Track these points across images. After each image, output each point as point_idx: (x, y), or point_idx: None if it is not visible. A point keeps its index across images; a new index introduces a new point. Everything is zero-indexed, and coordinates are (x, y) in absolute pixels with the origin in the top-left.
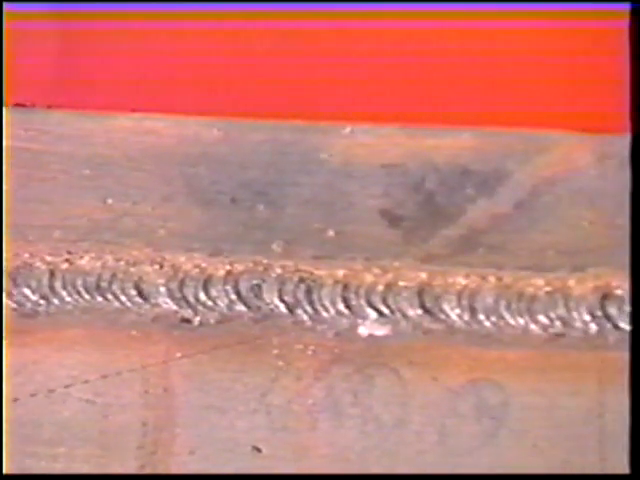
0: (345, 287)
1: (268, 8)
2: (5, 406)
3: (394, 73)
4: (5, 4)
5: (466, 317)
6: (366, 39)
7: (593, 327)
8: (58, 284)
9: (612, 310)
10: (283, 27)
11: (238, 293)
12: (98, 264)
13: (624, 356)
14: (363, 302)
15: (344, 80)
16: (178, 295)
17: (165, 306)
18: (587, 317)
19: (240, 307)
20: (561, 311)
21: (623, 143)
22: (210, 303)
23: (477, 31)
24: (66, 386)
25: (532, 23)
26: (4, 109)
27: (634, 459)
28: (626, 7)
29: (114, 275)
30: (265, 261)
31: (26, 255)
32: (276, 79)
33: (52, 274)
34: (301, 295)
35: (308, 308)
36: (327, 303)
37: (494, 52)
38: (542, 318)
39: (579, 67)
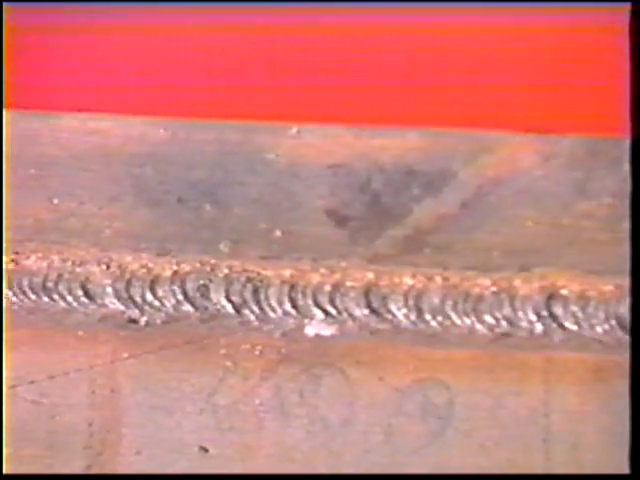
0: (292, 287)
1: (212, 7)
2: (5, 406)
3: (341, 73)
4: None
5: (412, 317)
6: (314, 38)
7: (539, 327)
8: (3, 284)
9: (558, 310)
10: (229, 26)
11: (185, 293)
12: (44, 264)
13: (569, 356)
14: (310, 302)
15: (291, 80)
16: (125, 295)
17: (112, 306)
18: (533, 317)
19: (187, 307)
20: (507, 311)
21: (567, 143)
22: (157, 303)
23: (449, 29)
24: (12, 386)
25: (531, 23)
26: (4, 111)
27: (634, 459)
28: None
29: (60, 275)
30: (212, 261)
31: None
32: (223, 79)
33: None
34: (248, 295)
35: (255, 308)
36: (274, 303)
37: (484, 52)
38: (488, 318)
39: (579, 67)
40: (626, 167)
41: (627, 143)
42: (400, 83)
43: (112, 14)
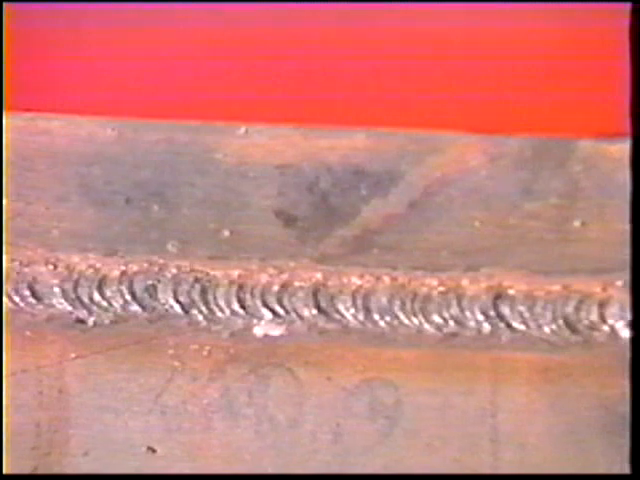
0: (240, 287)
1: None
2: (5, 406)
3: (289, 73)
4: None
5: (361, 317)
6: (263, 39)
7: (486, 327)
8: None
9: (505, 310)
10: (181, 26)
11: (133, 293)
12: None
13: (517, 356)
14: (258, 302)
15: (239, 80)
16: (72, 295)
17: (59, 307)
18: (480, 317)
19: (135, 307)
20: (455, 311)
21: (514, 144)
22: (105, 303)
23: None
24: None
25: (531, 23)
26: (4, 113)
27: (634, 459)
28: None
29: (7, 276)
30: (160, 261)
31: None
32: (171, 79)
33: None
34: (196, 295)
35: (203, 308)
36: (222, 303)
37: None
38: (436, 318)
39: (579, 67)
40: (573, 167)
41: (573, 143)
42: (348, 83)
43: (63, 18)
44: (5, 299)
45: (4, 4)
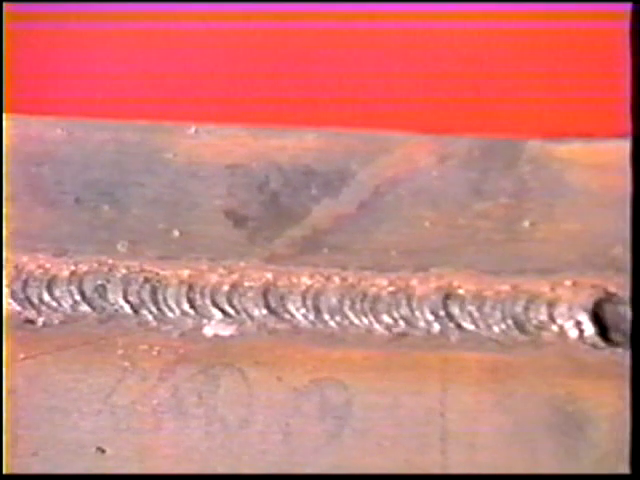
0: (190, 287)
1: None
2: (5, 406)
3: (239, 73)
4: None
5: (311, 317)
6: (212, 41)
7: (436, 327)
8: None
9: (454, 310)
10: (123, 26)
11: (82, 293)
12: None
13: (466, 355)
14: (208, 302)
15: (188, 80)
16: (21, 296)
17: (8, 307)
18: (430, 317)
19: (84, 307)
20: (404, 311)
21: (462, 144)
22: (54, 304)
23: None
24: None
25: (530, 24)
26: (4, 115)
27: (634, 459)
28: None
29: None
30: (110, 261)
31: None
32: (120, 78)
33: None
34: (146, 295)
35: (153, 308)
36: (172, 303)
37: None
38: (386, 318)
39: (578, 67)
40: (521, 168)
41: (522, 144)
42: (297, 83)
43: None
44: None
45: (4, 4)
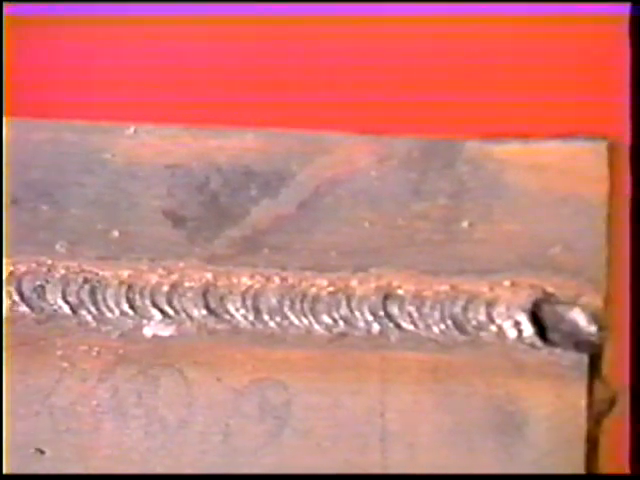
0: (130, 288)
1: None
2: (6, 406)
3: (178, 73)
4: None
5: (250, 317)
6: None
7: (375, 327)
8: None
9: (394, 310)
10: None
11: (21, 294)
12: None
13: (406, 355)
14: (148, 303)
15: (126, 80)
16: None
17: None
18: (369, 317)
19: (23, 308)
20: (344, 311)
21: (401, 144)
22: None
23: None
24: None
25: (530, 24)
26: (4, 118)
27: (634, 459)
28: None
29: None
30: (49, 262)
31: None
32: (59, 78)
33: None
34: (85, 296)
35: (92, 309)
36: (111, 304)
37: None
38: (325, 318)
39: (579, 67)
40: (460, 168)
41: (460, 144)
42: (236, 84)
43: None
44: None
45: (4, 4)
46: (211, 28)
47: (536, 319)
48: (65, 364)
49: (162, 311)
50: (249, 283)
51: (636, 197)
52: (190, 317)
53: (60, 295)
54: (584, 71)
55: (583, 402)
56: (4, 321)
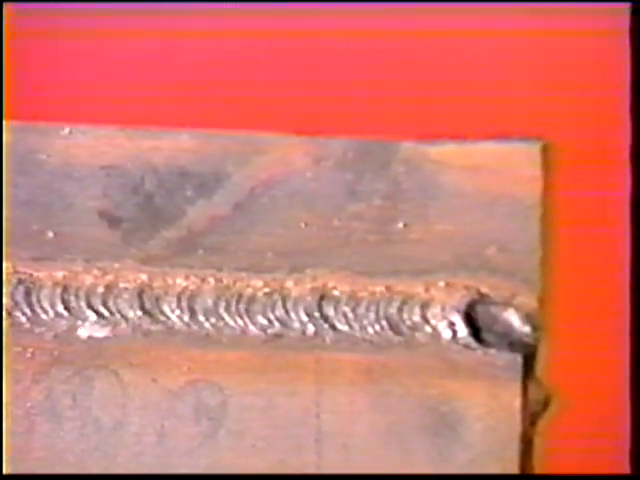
0: (64, 289)
1: None
2: (6, 406)
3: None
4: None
5: (186, 318)
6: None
7: (310, 328)
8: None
9: (329, 311)
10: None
11: None
12: None
13: (341, 356)
14: (83, 304)
15: (62, 80)
16: None
17: None
18: (305, 318)
19: None
20: (279, 312)
21: (337, 145)
22: None
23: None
24: None
25: (529, 24)
26: (4, 119)
27: (634, 459)
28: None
29: None
30: None
31: None
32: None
33: None
34: (19, 297)
35: (27, 310)
36: (46, 305)
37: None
38: (261, 319)
39: (579, 67)
40: (395, 169)
41: (395, 145)
42: (174, 83)
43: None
44: None
45: (4, 4)
46: (142, 26)
47: (470, 320)
48: None
49: (97, 312)
50: (184, 284)
51: (636, 197)
52: (125, 318)
53: None
54: (581, 71)
55: (517, 402)
56: (4, 325)
